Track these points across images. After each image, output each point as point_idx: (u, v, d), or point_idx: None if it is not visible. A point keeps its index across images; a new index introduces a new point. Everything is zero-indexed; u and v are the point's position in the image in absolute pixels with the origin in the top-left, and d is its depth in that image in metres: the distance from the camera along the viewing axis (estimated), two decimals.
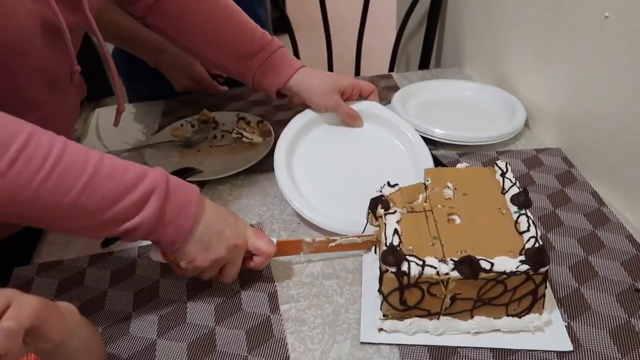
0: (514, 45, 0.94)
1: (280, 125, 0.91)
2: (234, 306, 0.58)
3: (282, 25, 1.34)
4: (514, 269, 0.49)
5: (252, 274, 0.61)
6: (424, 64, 1.30)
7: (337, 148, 0.80)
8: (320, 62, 1.30)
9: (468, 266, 0.49)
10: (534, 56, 0.88)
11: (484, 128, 0.85)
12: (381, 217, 0.57)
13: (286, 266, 0.62)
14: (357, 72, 1.45)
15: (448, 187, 0.61)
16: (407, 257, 0.50)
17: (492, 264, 0.49)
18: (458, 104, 0.95)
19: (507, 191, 0.60)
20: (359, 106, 0.82)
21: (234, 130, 0.87)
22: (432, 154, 0.80)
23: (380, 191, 0.61)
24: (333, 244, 0.60)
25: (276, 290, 0.59)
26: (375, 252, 0.62)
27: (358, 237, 0.61)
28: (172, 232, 0.50)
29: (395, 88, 1.02)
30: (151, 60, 0.99)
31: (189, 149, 0.87)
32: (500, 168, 0.63)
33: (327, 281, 0.60)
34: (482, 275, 0.49)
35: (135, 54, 0.99)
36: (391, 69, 1.41)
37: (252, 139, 0.86)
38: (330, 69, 1.43)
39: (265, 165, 0.81)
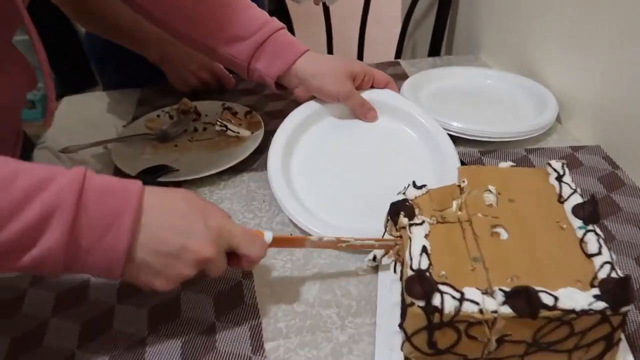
0: (542, 29, 0.82)
1: (272, 117, 0.79)
2: (206, 344, 0.44)
3: (280, 15, 1.23)
4: (586, 307, 0.36)
5: (231, 301, 0.48)
6: (433, 53, 1.17)
7: (345, 146, 0.67)
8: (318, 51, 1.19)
9: (525, 301, 0.36)
10: (565, 40, 0.76)
11: (509, 122, 0.73)
12: (404, 228, 0.44)
13: (273, 289, 0.49)
14: (360, 59, 1.33)
15: (490, 190, 0.48)
16: (440, 286, 0.37)
17: (556, 299, 0.37)
18: (478, 94, 0.83)
19: (566, 199, 0.47)
20: (370, 95, 0.70)
21: (218, 122, 0.74)
22: None
23: (404, 193, 0.48)
24: (343, 245, 0.47)
25: (261, 323, 0.46)
26: (395, 271, 0.49)
27: (375, 240, 0.48)
28: (98, 260, 0.36)
29: (404, 76, 0.90)
30: (155, 54, 0.87)
31: (164, 143, 0.74)
32: (555, 170, 0.50)
33: (325, 310, 0.47)
34: (543, 313, 0.36)
35: (136, 50, 0.87)
36: (397, 56, 1.29)
37: (238, 133, 0.73)
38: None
39: (253, 164, 0.68)
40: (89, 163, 0.72)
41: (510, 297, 0.37)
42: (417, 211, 0.46)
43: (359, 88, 0.69)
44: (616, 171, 0.64)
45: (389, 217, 0.47)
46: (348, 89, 0.66)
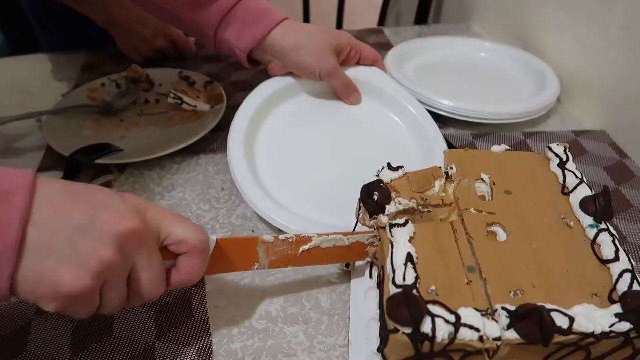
0: None
1: (237, 89, 0.69)
2: None
3: None
4: (607, 329, 0.30)
5: (176, 316, 0.39)
6: (420, 21, 1.08)
7: (320, 127, 0.58)
8: (293, 19, 1.07)
9: (536, 324, 0.29)
10: (568, 9, 0.68)
11: (505, 101, 0.65)
12: (383, 228, 0.36)
13: (230, 300, 0.41)
14: (340, 26, 1.22)
15: (483, 180, 0.41)
16: (430, 307, 0.29)
17: (572, 320, 0.29)
18: (470, 69, 0.74)
19: (571, 191, 0.40)
20: (355, 73, 0.60)
21: (171, 94, 0.63)
22: (440, 134, 0.59)
23: (378, 176, 0.40)
24: (306, 247, 0.38)
25: (211, 344, 0.37)
26: (371, 276, 0.41)
27: (344, 235, 0.39)
28: None
29: (388, 46, 0.81)
30: (103, 17, 0.74)
31: (109, 117, 0.63)
32: (557, 155, 0.43)
33: (291, 327, 0.38)
34: (557, 338, 0.29)
35: (82, 11, 0.74)
36: (381, 23, 1.18)
37: (195, 107, 0.63)
38: (307, 22, 1.19)
39: (212, 144, 0.59)
40: (16, 139, 0.61)
41: (518, 320, 0.30)
42: (393, 194, 0.38)
43: (344, 64, 0.60)
44: (624, 160, 0.57)
45: (361, 204, 0.39)
46: (331, 66, 0.56)
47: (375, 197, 0.37)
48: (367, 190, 0.38)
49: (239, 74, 0.73)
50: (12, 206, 0.26)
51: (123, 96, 0.66)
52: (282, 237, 0.37)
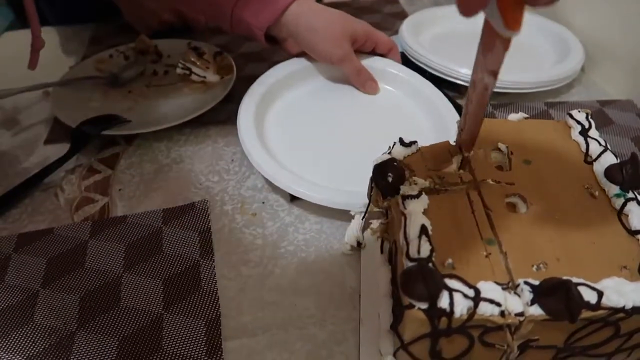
0: None
1: (247, 60, 0.67)
2: (150, 342, 0.35)
3: None
4: (639, 303, 0.28)
5: (184, 287, 0.39)
6: None
7: (333, 105, 0.57)
8: None
9: (562, 300, 0.27)
10: None
11: (527, 70, 0.62)
12: (396, 202, 0.34)
13: (238, 271, 0.40)
14: None
15: (500, 149, 0.39)
16: (448, 281, 0.28)
17: (600, 294, 0.28)
18: None
19: (595, 159, 0.37)
20: (369, 62, 0.59)
21: (180, 64, 0.61)
22: (458, 104, 0.57)
23: (389, 153, 0.38)
24: None
25: (219, 316, 0.37)
26: (382, 251, 0.40)
27: None
28: None
29: (403, 15, 0.78)
30: None
31: (116, 88, 0.62)
32: (578, 122, 0.41)
33: (302, 299, 0.37)
34: (584, 314, 0.27)
35: None
36: None
37: (204, 77, 0.61)
38: None
39: (221, 114, 0.57)
40: (23, 111, 0.60)
41: (542, 295, 0.28)
42: (407, 173, 0.36)
43: (359, 51, 0.58)
44: None
45: (372, 184, 0.37)
46: (344, 52, 0.55)
47: (390, 179, 0.35)
48: (380, 170, 0.36)
49: (248, 45, 0.71)
50: None
51: (131, 67, 0.64)
52: None
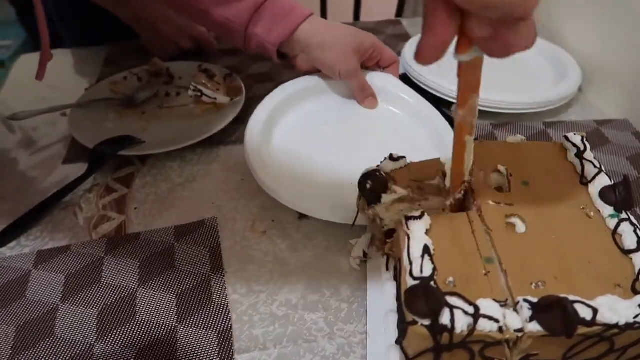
0: None
1: (256, 81, 0.70)
2: (164, 353, 0.37)
3: None
4: (632, 320, 0.29)
5: (197, 301, 0.40)
6: None
7: (337, 125, 0.59)
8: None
9: (559, 317, 0.29)
10: None
11: (525, 91, 0.64)
12: (400, 224, 0.36)
13: (249, 287, 0.41)
14: (357, 18, 1.21)
15: (499, 171, 0.40)
16: (449, 298, 0.30)
17: (596, 311, 0.29)
18: (488, 58, 0.72)
19: (590, 181, 0.39)
20: (372, 79, 0.62)
21: (191, 86, 0.64)
22: None
23: (378, 166, 0.40)
24: None
25: (231, 328, 0.38)
26: (388, 269, 0.41)
27: None
28: None
29: (406, 37, 0.80)
30: (128, 14, 0.76)
31: (130, 109, 0.65)
32: (574, 144, 0.42)
33: (311, 314, 0.39)
34: (581, 330, 0.29)
35: (108, 8, 0.76)
36: (398, 14, 1.17)
37: (215, 99, 0.64)
38: (324, 14, 1.19)
39: (231, 135, 0.59)
40: (42, 132, 0.63)
41: (540, 312, 0.29)
42: (390, 183, 0.38)
43: (364, 63, 0.61)
44: None
45: (360, 191, 0.39)
46: (352, 67, 0.58)
47: (368, 185, 0.38)
48: (365, 179, 0.39)
49: (256, 67, 0.74)
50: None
51: (144, 89, 0.67)
52: None
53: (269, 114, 0.57)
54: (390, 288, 0.39)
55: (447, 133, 0.55)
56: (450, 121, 0.58)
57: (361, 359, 0.36)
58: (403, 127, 0.59)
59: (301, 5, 0.58)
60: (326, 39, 0.57)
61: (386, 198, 0.38)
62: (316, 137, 0.56)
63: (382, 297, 0.39)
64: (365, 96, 0.61)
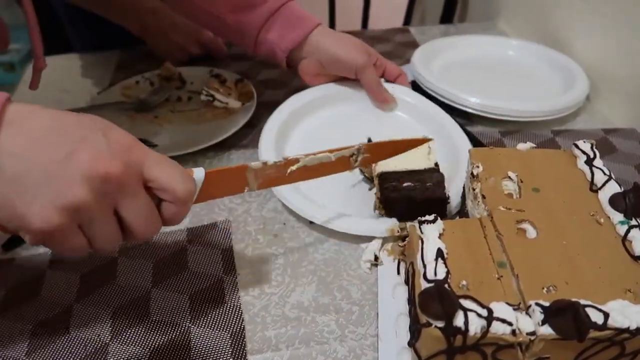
0: None
1: (266, 86, 0.71)
2: (177, 353, 0.37)
3: None
4: None
5: (210, 301, 0.41)
6: (445, 20, 1.07)
7: (349, 132, 0.59)
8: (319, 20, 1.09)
9: (571, 320, 0.29)
10: (596, 6, 0.67)
11: (533, 99, 0.64)
12: (414, 229, 0.37)
13: (261, 290, 0.42)
14: (365, 25, 1.22)
15: (510, 177, 0.41)
16: (462, 301, 0.30)
17: (607, 315, 0.30)
18: (497, 67, 0.74)
19: (599, 188, 0.40)
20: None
21: (204, 91, 0.65)
22: (468, 130, 0.60)
23: None
24: (293, 167, 0.39)
25: (244, 329, 0.39)
26: (399, 272, 0.42)
27: (330, 152, 0.40)
28: None
29: (414, 45, 0.81)
30: (135, 25, 0.77)
31: (142, 113, 0.66)
32: (583, 152, 0.43)
33: (322, 317, 0.40)
34: (592, 334, 0.29)
35: (115, 20, 0.77)
36: (406, 22, 1.18)
37: (227, 103, 0.65)
38: (332, 26, 1.20)
39: (242, 140, 0.60)
40: None
41: (552, 315, 0.30)
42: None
43: None
44: None
45: None
46: (365, 60, 0.59)
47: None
48: None
49: (267, 72, 0.75)
50: None
51: (156, 93, 0.68)
52: (270, 161, 0.37)
53: (284, 120, 0.58)
54: (402, 292, 0.40)
55: (460, 139, 0.56)
56: (463, 128, 0.59)
57: None
58: (416, 134, 0.60)
59: (310, 15, 0.60)
60: (337, 39, 0.60)
61: None
62: (330, 145, 0.57)
63: (393, 300, 0.40)
64: (381, 91, 0.61)
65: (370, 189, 0.51)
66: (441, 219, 0.37)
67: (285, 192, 0.48)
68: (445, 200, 0.45)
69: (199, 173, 0.34)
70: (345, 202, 0.49)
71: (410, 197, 0.45)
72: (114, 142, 0.29)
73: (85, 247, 0.30)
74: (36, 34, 0.50)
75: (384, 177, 0.45)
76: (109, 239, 0.30)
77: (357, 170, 0.52)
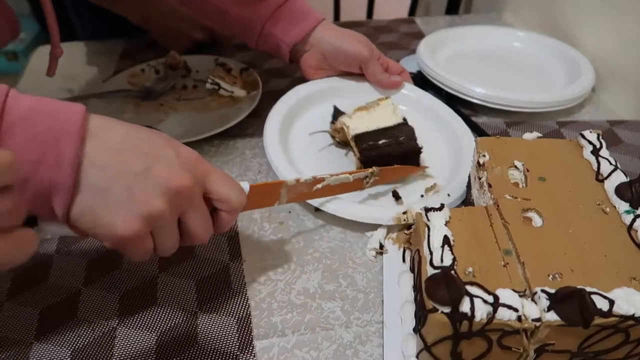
0: None
1: (271, 75, 0.71)
2: (186, 337, 0.38)
3: None
4: None
5: (216, 287, 0.41)
6: (451, 11, 1.07)
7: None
8: (324, 9, 1.08)
9: (577, 307, 0.29)
10: None
11: (539, 90, 0.64)
12: (420, 217, 0.37)
13: (267, 276, 0.42)
14: (369, 16, 1.21)
15: (516, 167, 0.41)
16: (468, 287, 0.30)
17: (612, 303, 0.30)
18: (503, 58, 0.73)
19: (606, 177, 0.40)
20: None
21: (209, 79, 0.65)
22: (473, 121, 0.60)
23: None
24: (320, 186, 0.43)
25: (250, 315, 0.39)
26: (404, 260, 0.42)
27: (350, 174, 0.45)
28: (37, 193, 0.29)
29: (419, 35, 0.81)
30: (136, 15, 0.77)
31: (148, 101, 0.66)
32: (590, 142, 0.43)
33: (328, 303, 0.40)
34: (597, 320, 0.30)
35: (116, 11, 0.77)
36: (411, 12, 1.18)
37: (232, 92, 0.65)
38: (337, 16, 1.19)
39: (248, 128, 0.60)
40: None
41: (558, 302, 0.30)
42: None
43: None
44: None
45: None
46: (370, 51, 0.59)
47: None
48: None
49: (272, 62, 0.75)
50: (61, 151, 0.29)
51: (162, 81, 0.68)
52: (302, 179, 0.42)
53: (289, 109, 0.57)
54: (407, 280, 0.40)
55: (464, 133, 0.56)
56: (466, 120, 0.59)
57: (378, 347, 0.37)
58: (419, 127, 0.60)
59: (315, 11, 0.60)
60: (341, 32, 0.60)
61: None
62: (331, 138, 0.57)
63: (398, 288, 0.40)
64: (387, 76, 0.60)
65: (346, 154, 0.54)
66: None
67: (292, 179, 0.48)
68: (419, 150, 0.50)
69: (245, 186, 0.37)
70: (331, 169, 0.49)
71: (388, 153, 0.49)
72: (184, 157, 0.32)
73: (151, 251, 0.33)
74: (53, 22, 0.50)
75: (360, 138, 0.49)
76: (172, 243, 0.33)
77: (326, 135, 0.56)
